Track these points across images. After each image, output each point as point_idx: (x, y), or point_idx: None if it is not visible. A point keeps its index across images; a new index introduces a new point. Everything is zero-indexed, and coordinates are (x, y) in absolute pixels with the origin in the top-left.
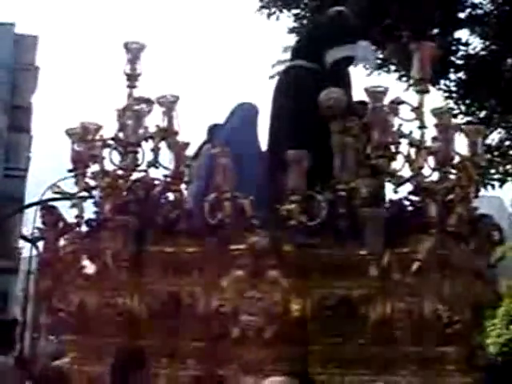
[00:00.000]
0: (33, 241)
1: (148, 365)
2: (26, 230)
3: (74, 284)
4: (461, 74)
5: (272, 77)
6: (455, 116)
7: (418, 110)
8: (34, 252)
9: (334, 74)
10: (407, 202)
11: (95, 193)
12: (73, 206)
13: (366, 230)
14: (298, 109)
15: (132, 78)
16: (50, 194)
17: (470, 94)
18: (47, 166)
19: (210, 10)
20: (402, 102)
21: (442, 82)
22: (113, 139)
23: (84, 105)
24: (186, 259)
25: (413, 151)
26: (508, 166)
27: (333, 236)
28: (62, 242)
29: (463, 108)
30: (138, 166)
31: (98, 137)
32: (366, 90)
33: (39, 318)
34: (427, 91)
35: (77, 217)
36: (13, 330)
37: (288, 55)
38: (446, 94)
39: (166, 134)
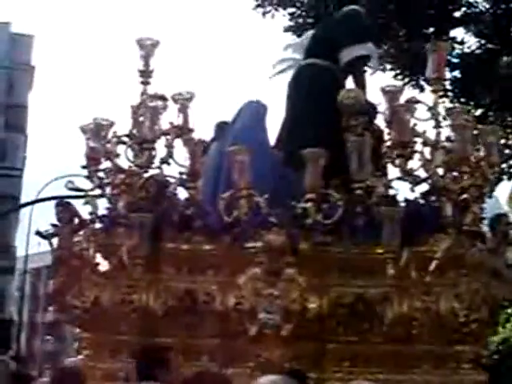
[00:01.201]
0: (48, 237)
1: (173, 363)
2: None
3: (90, 281)
4: (456, 73)
5: (273, 76)
6: (450, 115)
7: (433, 109)
8: (31, 251)
9: (349, 72)
10: (423, 202)
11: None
12: (86, 202)
13: (382, 228)
14: (315, 107)
15: (145, 74)
16: (45, 194)
17: (465, 93)
18: (42, 165)
19: (211, 7)
20: (418, 102)
21: None
22: (127, 136)
23: (82, 104)
24: (202, 257)
25: (427, 150)
26: (503, 165)
27: (349, 234)
28: (76, 239)
29: (458, 106)
30: (153, 163)
31: (111, 133)
32: (382, 89)
33: (35, 318)
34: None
35: (91, 213)
36: (9, 330)
37: (289, 53)
38: (442, 93)
39: (182, 131)
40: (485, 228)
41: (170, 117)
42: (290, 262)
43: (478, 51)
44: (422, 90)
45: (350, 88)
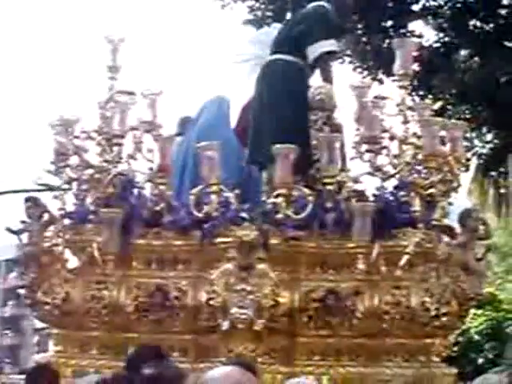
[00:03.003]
0: (17, 233)
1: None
2: None
3: (60, 277)
4: (414, 66)
5: (235, 63)
6: (410, 108)
7: (401, 105)
8: None
9: (316, 68)
10: (392, 197)
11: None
12: (55, 197)
13: (353, 223)
14: (285, 103)
15: (113, 70)
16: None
17: (423, 86)
18: None
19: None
20: (385, 98)
21: None
22: (96, 131)
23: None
24: (172, 252)
25: (395, 146)
26: None
27: (319, 229)
28: (46, 234)
29: (417, 99)
30: (122, 158)
31: (78, 129)
32: (351, 85)
33: None
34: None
35: (60, 209)
36: None
37: (251, 48)
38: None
39: (151, 126)
40: (453, 222)
41: (136, 112)
42: (261, 257)
43: (436, 44)
44: (380, 82)
45: (321, 84)
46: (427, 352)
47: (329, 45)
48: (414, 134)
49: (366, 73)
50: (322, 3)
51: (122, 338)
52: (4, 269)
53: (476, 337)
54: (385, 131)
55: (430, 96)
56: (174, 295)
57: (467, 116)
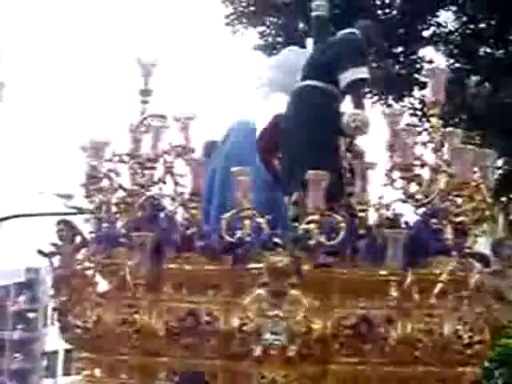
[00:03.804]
0: (49, 256)
1: None
2: None
3: (91, 300)
4: (425, 92)
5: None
6: (420, 133)
7: (433, 133)
8: None
9: (348, 94)
10: (424, 225)
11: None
12: (86, 221)
13: (386, 250)
14: (314, 129)
15: (145, 93)
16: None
17: None
18: None
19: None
20: (415, 126)
21: (407, 99)
22: (128, 155)
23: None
24: (204, 277)
25: (427, 173)
26: None
27: (351, 256)
28: (78, 257)
29: (427, 125)
30: (155, 182)
31: (108, 152)
32: (383, 112)
33: (3, 335)
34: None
35: (91, 232)
36: None
37: (273, 73)
38: (411, 112)
39: (183, 150)
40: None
41: (168, 136)
42: (294, 283)
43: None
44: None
45: (355, 111)
46: (459, 380)
47: (361, 72)
48: (445, 161)
49: (375, 98)
50: (353, 30)
51: (152, 362)
52: (13, 292)
53: (486, 363)
54: (417, 159)
55: (441, 121)
56: (206, 320)
57: (477, 142)
